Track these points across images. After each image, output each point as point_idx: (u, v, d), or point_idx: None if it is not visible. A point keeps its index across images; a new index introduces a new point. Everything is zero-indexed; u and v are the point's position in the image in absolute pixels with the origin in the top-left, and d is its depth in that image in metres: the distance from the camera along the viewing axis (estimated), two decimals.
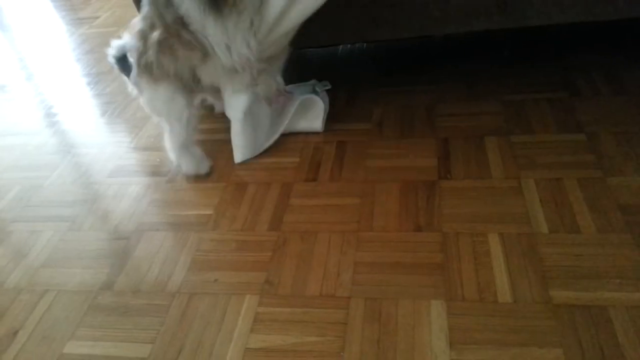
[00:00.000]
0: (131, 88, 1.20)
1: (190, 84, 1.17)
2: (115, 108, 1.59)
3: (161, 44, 1.10)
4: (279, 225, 1.07)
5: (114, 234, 1.13)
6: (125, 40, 1.19)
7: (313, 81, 1.38)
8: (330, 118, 1.34)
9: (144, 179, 1.28)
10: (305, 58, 1.32)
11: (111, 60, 1.21)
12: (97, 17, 2.30)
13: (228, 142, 1.28)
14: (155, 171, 1.30)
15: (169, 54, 1.12)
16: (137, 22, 1.15)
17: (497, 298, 0.86)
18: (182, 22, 1.07)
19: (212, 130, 1.41)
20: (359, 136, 1.28)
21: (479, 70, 1.43)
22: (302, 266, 0.97)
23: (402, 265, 0.94)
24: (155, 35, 1.10)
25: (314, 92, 1.36)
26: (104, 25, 2.21)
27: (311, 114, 1.30)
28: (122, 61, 1.20)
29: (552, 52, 1.45)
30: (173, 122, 1.19)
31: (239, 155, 1.27)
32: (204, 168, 1.25)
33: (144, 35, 1.14)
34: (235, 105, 1.20)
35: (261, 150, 1.29)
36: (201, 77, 1.16)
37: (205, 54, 1.10)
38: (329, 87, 1.37)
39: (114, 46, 1.21)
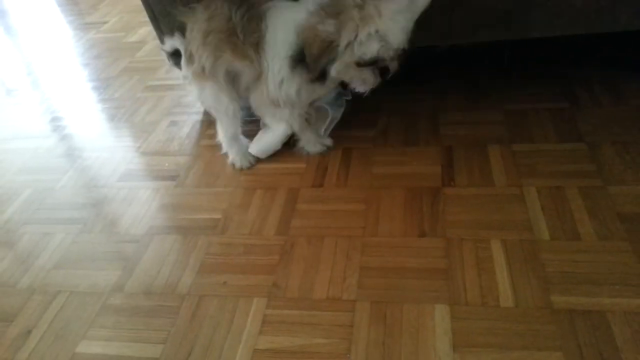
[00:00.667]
0: (182, 79, 1.27)
1: (227, 86, 1.20)
2: (124, 113, 1.62)
3: (208, 38, 1.13)
4: (287, 230, 1.10)
5: (124, 237, 1.16)
6: (178, 38, 1.24)
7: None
8: (336, 125, 1.37)
9: (153, 183, 1.30)
10: None
11: (164, 54, 1.28)
12: (105, 22, 2.34)
13: None
14: (164, 175, 1.32)
15: (210, 50, 1.14)
16: (195, 6, 1.17)
17: (499, 303, 0.88)
18: (257, 38, 1.10)
19: None
20: (364, 143, 1.31)
21: (480, 79, 1.46)
22: (309, 270, 1.00)
23: (407, 270, 0.96)
24: (207, 26, 1.12)
25: (338, 96, 1.39)
26: (112, 31, 2.24)
27: (318, 121, 1.33)
28: (175, 56, 1.25)
29: (551, 62, 1.48)
30: (221, 116, 1.27)
31: (254, 148, 1.30)
32: (246, 162, 1.30)
33: (195, 20, 1.16)
34: (276, 129, 1.27)
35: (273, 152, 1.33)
36: (251, 101, 1.22)
37: (259, 75, 1.15)
38: (349, 98, 1.40)
39: (167, 41, 1.26)
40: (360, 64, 1.04)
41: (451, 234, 1.02)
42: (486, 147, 1.22)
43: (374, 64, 1.04)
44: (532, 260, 0.94)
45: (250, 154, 1.31)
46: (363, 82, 1.10)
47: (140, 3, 1.35)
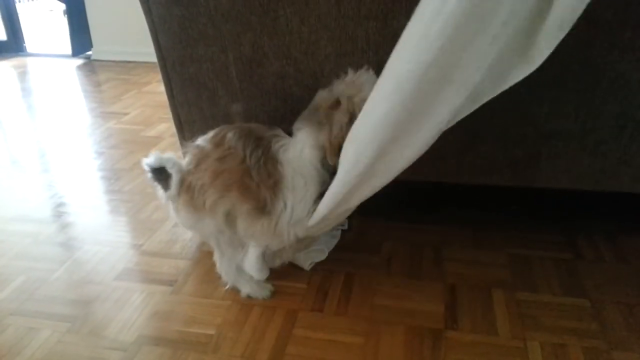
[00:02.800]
0: (165, 201, 1.18)
1: (221, 226, 1.14)
2: (131, 207, 1.63)
3: (219, 178, 1.08)
4: (281, 357, 1.06)
5: (112, 343, 1.11)
6: (169, 155, 1.14)
7: None
8: (341, 246, 1.38)
9: (149, 287, 1.28)
10: None
11: (146, 168, 1.14)
12: (126, 114, 2.42)
13: None
14: (162, 279, 1.30)
15: (218, 189, 1.09)
16: (202, 139, 1.14)
17: None
18: (274, 182, 1.07)
19: None
20: (367, 269, 1.31)
21: (486, 219, 1.48)
22: None
23: None
24: (219, 166, 1.08)
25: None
26: (132, 123, 2.32)
27: (315, 249, 1.34)
28: (158, 172, 1.14)
29: (556, 210, 1.52)
30: (223, 248, 1.20)
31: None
32: (267, 292, 1.24)
33: (202, 156, 1.11)
34: (252, 251, 1.22)
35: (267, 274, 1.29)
36: (238, 227, 1.14)
37: (261, 210, 1.09)
38: (345, 228, 1.43)
39: (154, 156, 1.13)
40: None
41: None
42: (490, 291, 1.21)
43: None
44: None
45: (265, 281, 1.25)
46: None
47: (164, 99, 1.40)
